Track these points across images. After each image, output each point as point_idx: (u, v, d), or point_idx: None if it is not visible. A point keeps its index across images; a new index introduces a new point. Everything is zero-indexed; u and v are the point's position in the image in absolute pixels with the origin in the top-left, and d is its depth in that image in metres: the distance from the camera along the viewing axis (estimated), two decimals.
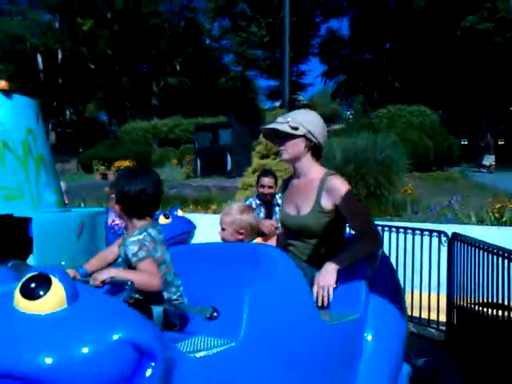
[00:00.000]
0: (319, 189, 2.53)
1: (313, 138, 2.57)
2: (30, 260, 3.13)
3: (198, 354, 1.68)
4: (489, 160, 20.48)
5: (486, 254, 3.67)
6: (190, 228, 6.22)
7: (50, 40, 36.81)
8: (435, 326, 5.24)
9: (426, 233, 5.38)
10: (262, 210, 5.42)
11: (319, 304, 2.43)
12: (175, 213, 6.24)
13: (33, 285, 1.38)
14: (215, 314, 1.81)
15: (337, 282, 2.46)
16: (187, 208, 12.36)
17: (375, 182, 9.96)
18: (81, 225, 3.61)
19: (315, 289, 2.45)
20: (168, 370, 1.47)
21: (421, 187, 11.89)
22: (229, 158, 16.02)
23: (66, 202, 5.86)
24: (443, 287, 5.10)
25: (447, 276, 4.97)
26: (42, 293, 1.37)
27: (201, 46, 39.19)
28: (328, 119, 31.37)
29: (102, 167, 20.10)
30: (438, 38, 27.05)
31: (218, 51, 40.53)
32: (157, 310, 2.03)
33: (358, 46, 33.35)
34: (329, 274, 2.44)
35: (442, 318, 5.14)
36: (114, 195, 2.30)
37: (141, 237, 2.09)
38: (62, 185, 5.08)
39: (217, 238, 3.05)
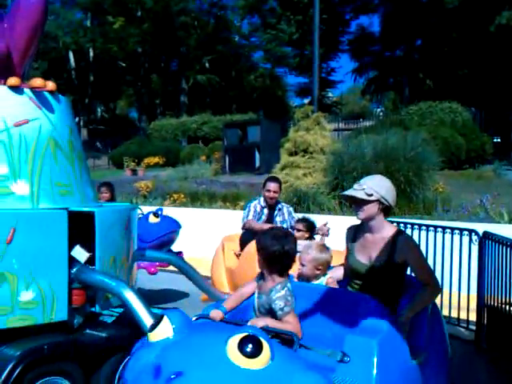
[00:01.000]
0: (392, 245, 2.94)
1: (385, 202, 2.97)
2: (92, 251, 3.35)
3: None
4: None
5: None
6: (177, 227, 6.39)
7: (81, 38, 37.34)
8: (465, 326, 5.19)
9: (457, 231, 5.33)
10: (265, 212, 5.63)
11: None
12: (159, 212, 6.38)
13: (250, 346, 1.80)
14: (346, 358, 2.13)
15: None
16: (215, 204, 12.42)
17: (405, 179, 9.86)
18: (128, 218, 3.79)
19: None
20: None
21: (452, 185, 11.70)
22: (257, 155, 16.02)
23: None
24: (473, 286, 5.04)
25: (478, 275, 4.91)
26: (257, 353, 1.79)
27: (230, 43, 39.23)
28: (358, 116, 31.19)
29: (132, 163, 20.31)
30: (470, 35, 26.56)
31: (248, 49, 40.51)
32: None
33: (388, 42, 32.93)
34: (403, 325, 2.78)
35: (472, 317, 5.08)
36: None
37: (284, 292, 2.47)
38: None
39: None
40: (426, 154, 10.68)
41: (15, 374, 2.74)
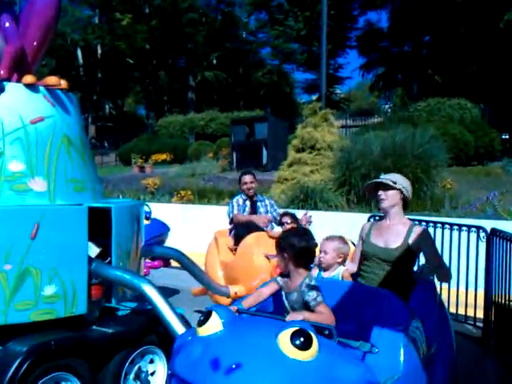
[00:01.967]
0: (408, 231, 3.30)
1: (406, 193, 3.37)
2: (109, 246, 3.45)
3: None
4: None
5: None
6: (166, 230, 6.52)
7: (89, 35, 37.50)
8: (472, 323, 5.17)
9: (464, 228, 5.31)
10: (248, 204, 5.83)
11: None
12: (148, 215, 6.43)
13: (302, 339, 1.99)
14: (374, 349, 2.27)
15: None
16: (222, 201, 12.42)
17: (413, 176, 9.81)
18: (138, 214, 3.89)
19: None
20: None
21: (460, 182, 11.64)
22: (264, 152, 15.99)
23: None
24: (481, 283, 5.02)
25: (485, 272, 4.89)
26: (308, 345, 1.98)
27: (237, 39, 39.21)
28: (366, 113, 31.03)
29: (140, 160, 20.36)
30: (479, 31, 26.38)
31: (255, 45, 40.46)
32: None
33: (397, 38, 32.77)
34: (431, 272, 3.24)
35: (480, 314, 5.06)
36: None
37: (314, 283, 2.64)
38: None
39: None
40: (434, 150, 10.62)
41: (22, 369, 2.74)
